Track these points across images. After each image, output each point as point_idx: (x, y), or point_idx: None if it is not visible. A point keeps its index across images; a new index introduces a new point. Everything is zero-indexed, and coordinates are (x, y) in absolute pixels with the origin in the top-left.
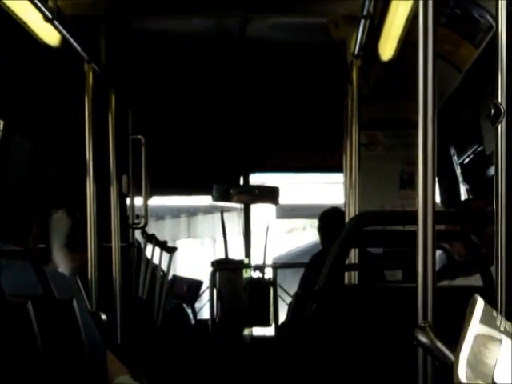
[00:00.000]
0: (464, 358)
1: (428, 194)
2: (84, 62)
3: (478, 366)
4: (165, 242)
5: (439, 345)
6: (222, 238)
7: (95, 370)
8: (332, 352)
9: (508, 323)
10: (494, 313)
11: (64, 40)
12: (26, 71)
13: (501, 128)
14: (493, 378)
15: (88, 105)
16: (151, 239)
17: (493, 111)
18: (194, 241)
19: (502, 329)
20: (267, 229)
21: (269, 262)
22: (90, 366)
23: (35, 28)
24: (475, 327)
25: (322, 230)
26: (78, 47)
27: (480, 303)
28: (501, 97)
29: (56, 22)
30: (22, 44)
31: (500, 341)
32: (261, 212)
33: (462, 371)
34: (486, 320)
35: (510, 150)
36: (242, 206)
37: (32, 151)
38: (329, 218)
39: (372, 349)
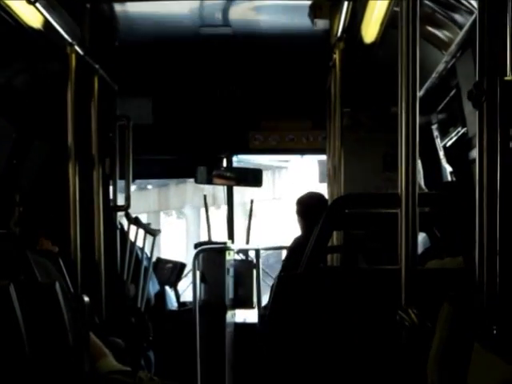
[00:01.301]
0: (437, 361)
1: (410, 177)
2: (67, 45)
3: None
4: (148, 225)
5: (421, 326)
6: (206, 221)
7: (77, 353)
8: (313, 333)
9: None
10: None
11: (47, 22)
12: (10, 56)
13: (481, 110)
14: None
15: (71, 87)
16: (134, 222)
17: (474, 92)
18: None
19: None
20: (250, 209)
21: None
22: (72, 349)
23: (17, 10)
24: (446, 333)
25: (301, 213)
26: (61, 30)
27: (450, 310)
28: (480, 78)
29: (38, 5)
30: (5, 26)
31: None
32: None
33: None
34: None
35: (491, 131)
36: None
37: (15, 135)
38: (308, 202)
39: (354, 331)
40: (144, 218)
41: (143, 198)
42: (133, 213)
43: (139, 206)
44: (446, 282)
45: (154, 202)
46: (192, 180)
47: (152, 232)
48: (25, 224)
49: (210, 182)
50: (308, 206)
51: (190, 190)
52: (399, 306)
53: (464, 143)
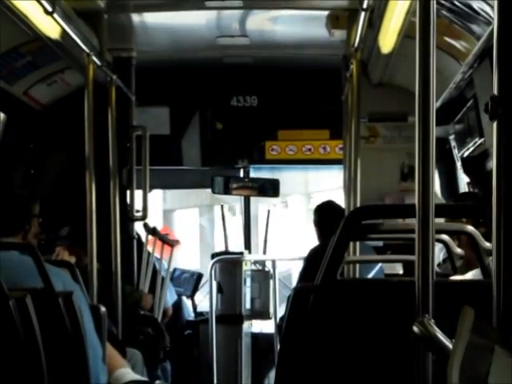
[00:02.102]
0: (457, 363)
1: (427, 187)
2: (84, 55)
3: (470, 372)
4: (166, 235)
5: (438, 338)
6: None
7: (92, 364)
8: (330, 346)
9: (499, 333)
10: (485, 323)
11: (64, 33)
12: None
13: (499, 121)
14: None
15: (88, 98)
16: (152, 232)
17: (490, 104)
18: None
19: (493, 338)
20: (268, 217)
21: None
22: (90, 359)
23: (35, 21)
24: (467, 337)
25: (318, 223)
26: (79, 40)
27: (471, 313)
28: (499, 90)
29: (56, 15)
30: (23, 37)
31: (492, 350)
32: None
33: (456, 376)
34: (478, 329)
35: (508, 144)
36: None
37: (33, 146)
38: (325, 212)
39: (371, 343)
40: (196, 212)
41: (195, 194)
42: (185, 207)
43: (191, 200)
44: (464, 295)
45: (207, 197)
46: None
47: (170, 242)
48: (42, 234)
49: (226, 192)
50: (325, 216)
51: None
52: (415, 318)
53: (481, 154)
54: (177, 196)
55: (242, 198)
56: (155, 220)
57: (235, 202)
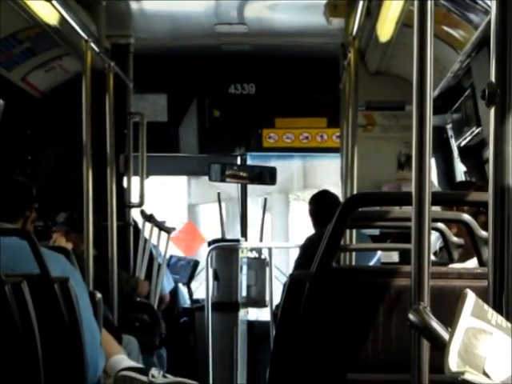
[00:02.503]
0: (455, 349)
1: (423, 175)
2: (82, 42)
3: (468, 357)
4: (163, 222)
5: (433, 326)
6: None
7: (90, 349)
8: (325, 333)
9: (499, 316)
10: (486, 307)
11: (62, 19)
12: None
13: (495, 109)
14: (484, 369)
15: (86, 84)
16: (149, 219)
17: (487, 92)
18: None
19: (493, 322)
20: (264, 205)
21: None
22: (85, 345)
23: (34, 7)
24: (466, 320)
25: (314, 213)
26: (77, 27)
27: (471, 297)
28: (495, 77)
29: (54, 1)
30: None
31: (491, 334)
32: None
33: (453, 361)
34: (477, 313)
35: (504, 132)
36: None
37: (30, 132)
38: (321, 201)
39: (366, 331)
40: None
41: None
42: (209, 201)
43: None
44: (460, 283)
45: (232, 190)
46: None
47: (166, 229)
48: (40, 220)
49: (223, 180)
50: (320, 205)
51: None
52: (411, 306)
53: (478, 143)
54: (200, 191)
55: (239, 185)
56: (181, 215)
57: (266, 195)
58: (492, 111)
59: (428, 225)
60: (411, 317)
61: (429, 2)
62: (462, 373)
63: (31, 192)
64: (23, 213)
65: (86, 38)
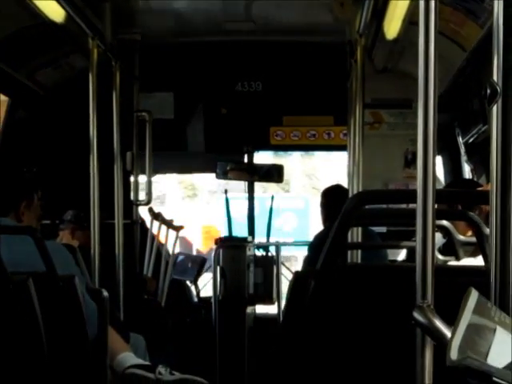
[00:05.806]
0: (456, 344)
1: (428, 173)
2: (88, 39)
3: (470, 353)
4: (171, 220)
5: (437, 324)
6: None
7: (97, 347)
8: (330, 331)
9: (503, 314)
10: (489, 304)
11: (68, 16)
12: (32, 51)
13: (497, 108)
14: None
15: (92, 82)
16: (157, 217)
17: (489, 91)
18: None
19: (496, 319)
20: (271, 205)
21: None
22: (92, 343)
23: (40, 4)
24: (468, 317)
25: (325, 206)
26: (83, 24)
27: (474, 294)
28: (497, 76)
29: None
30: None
31: (493, 330)
32: None
33: (454, 354)
34: (480, 311)
35: (505, 131)
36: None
37: (37, 130)
38: (333, 195)
39: (371, 328)
40: None
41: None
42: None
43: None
44: (465, 280)
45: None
46: None
47: (174, 227)
48: (47, 218)
49: (230, 177)
50: (332, 199)
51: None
52: (414, 304)
53: (485, 141)
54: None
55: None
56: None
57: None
58: (494, 110)
59: (432, 222)
60: (415, 314)
61: (433, 1)
62: (464, 358)
63: (26, 185)
64: (15, 206)
65: (92, 35)
